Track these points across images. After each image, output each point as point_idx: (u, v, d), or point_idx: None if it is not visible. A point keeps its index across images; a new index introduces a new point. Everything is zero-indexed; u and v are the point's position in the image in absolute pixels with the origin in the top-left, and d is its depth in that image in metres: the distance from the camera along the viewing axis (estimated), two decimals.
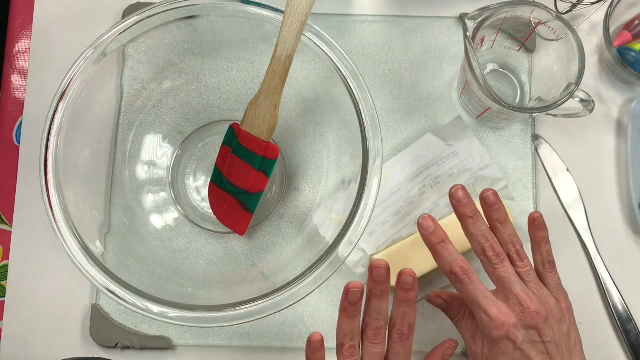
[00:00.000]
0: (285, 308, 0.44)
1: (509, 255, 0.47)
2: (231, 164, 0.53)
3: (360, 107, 0.47)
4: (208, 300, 0.47)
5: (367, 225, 0.45)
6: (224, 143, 0.54)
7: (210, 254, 0.57)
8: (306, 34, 0.48)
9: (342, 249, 0.45)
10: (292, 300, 0.45)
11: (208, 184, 0.57)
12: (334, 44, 0.48)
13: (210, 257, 0.57)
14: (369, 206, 0.45)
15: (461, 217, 0.48)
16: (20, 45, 0.62)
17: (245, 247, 0.57)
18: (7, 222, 0.59)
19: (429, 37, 0.61)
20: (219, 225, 0.57)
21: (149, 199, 0.57)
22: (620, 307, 0.57)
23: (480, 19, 0.49)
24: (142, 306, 0.44)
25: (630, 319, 0.56)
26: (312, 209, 0.56)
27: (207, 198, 0.57)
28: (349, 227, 0.45)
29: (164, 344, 0.56)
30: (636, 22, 0.59)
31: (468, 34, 0.49)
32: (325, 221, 0.53)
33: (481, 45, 0.56)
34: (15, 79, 0.62)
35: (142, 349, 0.56)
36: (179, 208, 0.58)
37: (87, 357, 0.56)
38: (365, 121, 0.47)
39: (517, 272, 0.47)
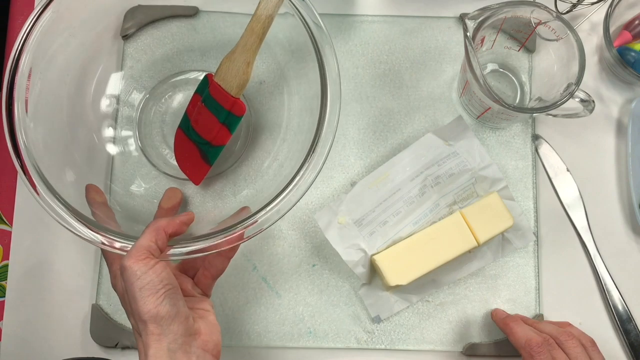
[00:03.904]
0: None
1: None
2: (199, 112, 0.53)
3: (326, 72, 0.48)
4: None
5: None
6: (196, 91, 0.54)
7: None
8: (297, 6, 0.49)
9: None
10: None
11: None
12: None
13: None
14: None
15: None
16: None
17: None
18: (7, 222, 0.59)
19: (429, 37, 0.61)
20: (178, 171, 0.58)
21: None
22: (620, 307, 0.57)
23: (480, 19, 0.49)
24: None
25: (630, 319, 0.56)
26: (268, 173, 0.57)
27: (171, 146, 0.58)
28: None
29: None
30: (636, 22, 0.59)
31: (468, 34, 0.49)
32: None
33: (481, 45, 0.56)
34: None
35: None
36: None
37: (87, 357, 0.56)
38: (327, 82, 0.48)
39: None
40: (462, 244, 0.54)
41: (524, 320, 0.54)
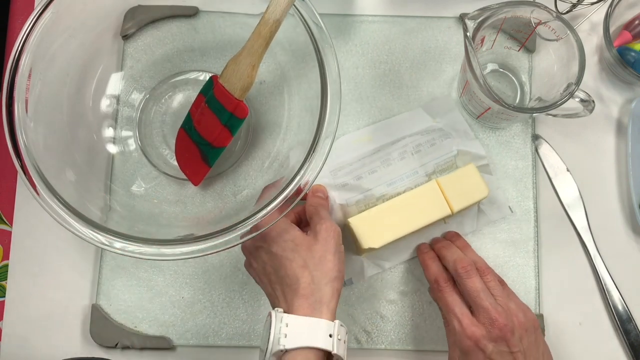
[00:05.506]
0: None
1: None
2: (202, 113, 0.54)
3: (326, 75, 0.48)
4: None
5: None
6: (200, 92, 0.54)
7: (169, 194, 0.58)
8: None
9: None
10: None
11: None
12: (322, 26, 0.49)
13: (169, 197, 0.58)
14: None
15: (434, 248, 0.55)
16: None
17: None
18: (7, 222, 0.59)
19: (429, 37, 0.61)
20: (178, 171, 0.58)
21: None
22: (620, 307, 0.57)
23: (480, 19, 0.49)
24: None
25: (630, 319, 0.56)
26: (268, 172, 0.57)
27: (172, 145, 0.58)
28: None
29: (164, 344, 0.56)
30: (636, 22, 0.59)
31: (468, 34, 0.49)
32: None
33: (481, 45, 0.56)
34: None
35: (142, 349, 0.56)
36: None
37: (87, 357, 0.56)
38: (328, 89, 0.48)
39: (486, 285, 0.49)
40: (436, 211, 0.54)
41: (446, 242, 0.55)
